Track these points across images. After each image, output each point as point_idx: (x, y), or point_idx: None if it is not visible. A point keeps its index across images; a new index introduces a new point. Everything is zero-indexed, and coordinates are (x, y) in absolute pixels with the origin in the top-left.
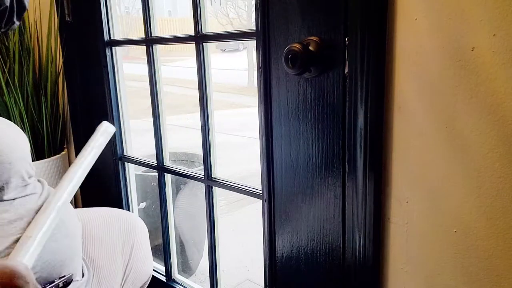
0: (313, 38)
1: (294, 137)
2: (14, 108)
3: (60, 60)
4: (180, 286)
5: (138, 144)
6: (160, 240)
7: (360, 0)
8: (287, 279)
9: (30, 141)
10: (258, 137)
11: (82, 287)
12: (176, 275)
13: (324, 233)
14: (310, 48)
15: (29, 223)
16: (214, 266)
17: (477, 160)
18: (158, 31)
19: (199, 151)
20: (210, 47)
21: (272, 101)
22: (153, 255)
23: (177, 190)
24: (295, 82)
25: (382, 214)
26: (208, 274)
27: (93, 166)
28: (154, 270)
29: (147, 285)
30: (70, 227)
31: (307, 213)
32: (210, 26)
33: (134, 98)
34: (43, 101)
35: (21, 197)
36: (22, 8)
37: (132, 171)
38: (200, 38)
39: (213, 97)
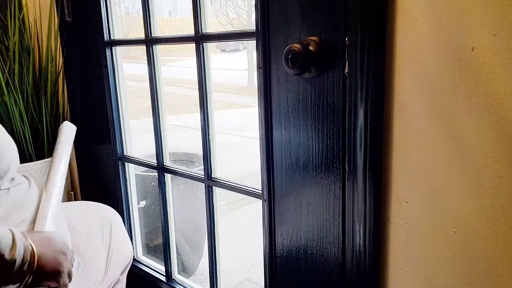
0: (313, 38)
1: (294, 137)
2: (14, 108)
3: (60, 60)
4: (180, 286)
5: (138, 144)
6: (160, 240)
7: (360, 0)
8: (287, 279)
9: (30, 141)
10: (258, 137)
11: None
12: (176, 275)
13: (324, 233)
14: (310, 48)
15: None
16: (214, 266)
17: (477, 160)
18: (158, 31)
19: (199, 151)
20: (210, 47)
21: (272, 101)
22: (153, 255)
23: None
24: (295, 82)
25: (382, 214)
26: (208, 274)
27: (93, 166)
28: (154, 270)
29: (129, 266)
30: (60, 220)
31: (307, 213)
32: (210, 26)
33: (134, 98)
34: (43, 101)
35: (13, 186)
36: None
37: (132, 171)
38: (200, 38)
39: (213, 97)
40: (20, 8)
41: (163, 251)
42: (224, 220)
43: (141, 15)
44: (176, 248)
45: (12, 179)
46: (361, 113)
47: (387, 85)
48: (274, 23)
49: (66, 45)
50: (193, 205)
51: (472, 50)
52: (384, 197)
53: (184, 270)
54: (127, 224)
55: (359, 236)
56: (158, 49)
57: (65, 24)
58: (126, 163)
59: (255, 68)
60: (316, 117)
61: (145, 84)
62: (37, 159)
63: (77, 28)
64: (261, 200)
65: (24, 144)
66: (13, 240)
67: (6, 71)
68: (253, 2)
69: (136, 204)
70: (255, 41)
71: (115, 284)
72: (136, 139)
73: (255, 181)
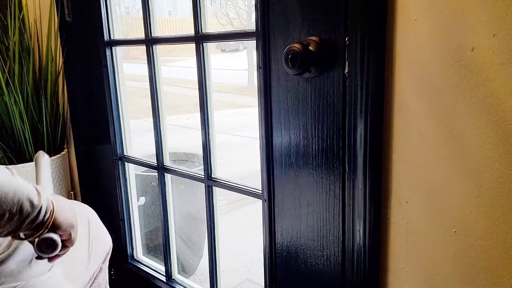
0: (313, 38)
1: (294, 137)
2: (14, 108)
3: (60, 60)
4: (180, 286)
5: (138, 144)
6: (160, 240)
7: (360, 0)
8: (287, 279)
9: (30, 141)
10: (258, 137)
11: (55, 266)
12: (176, 275)
13: (324, 233)
14: (310, 48)
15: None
16: (214, 266)
17: (477, 160)
18: (158, 31)
19: (199, 151)
20: (210, 47)
21: (272, 101)
22: (153, 255)
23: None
24: (295, 82)
25: (382, 214)
26: (208, 274)
27: (93, 166)
28: (154, 270)
29: (109, 255)
30: None
31: (306, 213)
32: (210, 26)
33: (134, 98)
34: (43, 101)
35: None
36: None
37: (132, 171)
38: (200, 38)
39: (213, 97)
40: (20, 8)
41: (163, 251)
42: (224, 220)
43: (141, 15)
44: (176, 248)
45: None
46: (361, 113)
47: (387, 85)
48: (274, 23)
49: (66, 45)
50: (193, 205)
51: (472, 50)
52: (384, 197)
53: (184, 270)
54: (127, 224)
55: (359, 236)
56: (158, 49)
57: (65, 24)
58: (126, 163)
59: (255, 68)
60: (316, 117)
61: (145, 84)
62: None
63: (77, 28)
64: (261, 200)
65: (24, 144)
66: (37, 190)
67: (6, 71)
68: (253, 2)
69: (136, 204)
70: (255, 41)
71: (98, 273)
72: (136, 139)
73: (255, 181)
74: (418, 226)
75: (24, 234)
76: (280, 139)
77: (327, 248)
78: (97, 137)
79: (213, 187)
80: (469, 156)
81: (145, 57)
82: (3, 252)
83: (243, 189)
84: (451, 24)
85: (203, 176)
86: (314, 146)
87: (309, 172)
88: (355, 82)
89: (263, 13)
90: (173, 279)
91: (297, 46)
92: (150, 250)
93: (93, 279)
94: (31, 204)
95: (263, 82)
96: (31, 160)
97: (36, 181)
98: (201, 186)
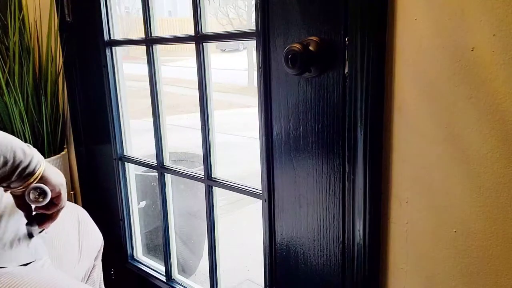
0: (313, 38)
1: (293, 137)
2: (14, 108)
3: (60, 60)
4: (180, 286)
5: (138, 144)
6: (160, 240)
7: (360, 0)
8: (287, 279)
9: (30, 141)
10: (258, 137)
11: (46, 264)
12: (176, 275)
13: (324, 233)
14: (310, 48)
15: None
16: (214, 266)
17: (477, 160)
18: (158, 31)
19: (199, 151)
20: (210, 47)
21: (272, 101)
22: (153, 255)
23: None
24: (295, 82)
25: (382, 214)
26: (208, 274)
27: (93, 166)
28: (154, 270)
29: (101, 252)
30: None
31: (306, 213)
32: (210, 26)
33: (134, 98)
34: (43, 101)
35: None
36: None
37: (132, 171)
38: (200, 38)
39: (213, 97)
40: (20, 8)
41: (163, 251)
42: (224, 220)
43: (141, 15)
44: (176, 248)
45: None
46: (361, 113)
47: (387, 85)
48: (274, 23)
49: (66, 45)
50: (193, 205)
51: (472, 50)
52: (384, 197)
53: (184, 270)
54: (127, 224)
55: (359, 236)
56: (158, 49)
57: (65, 24)
58: (126, 163)
59: (255, 68)
60: (316, 117)
61: (145, 84)
62: None
63: (77, 28)
64: (261, 200)
65: None
66: (28, 146)
67: (6, 71)
68: (253, 2)
69: (136, 204)
70: (255, 41)
71: (92, 270)
72: (136, 139)
73: (255, 181)
74: (418, 226)
75: (15, 186)
76: (280, 139)
77: (327, 248)
78: (97, 137)
79: (213, 187)
80: (469, 156)
81: (145, 57)
82: None
83: (243, 189)
84: (451, 24)
85: (203, 176)
86: (313, 146)
87: (309, 172)
88: (355, 82)
89: (263, 13)
90: (173, 279)
91: (297, 46)
92: (150, 250)
93: (87, 276)
94: (24, 152)
95: (263, 82)
96: None
97: None
98: (201, 186)
